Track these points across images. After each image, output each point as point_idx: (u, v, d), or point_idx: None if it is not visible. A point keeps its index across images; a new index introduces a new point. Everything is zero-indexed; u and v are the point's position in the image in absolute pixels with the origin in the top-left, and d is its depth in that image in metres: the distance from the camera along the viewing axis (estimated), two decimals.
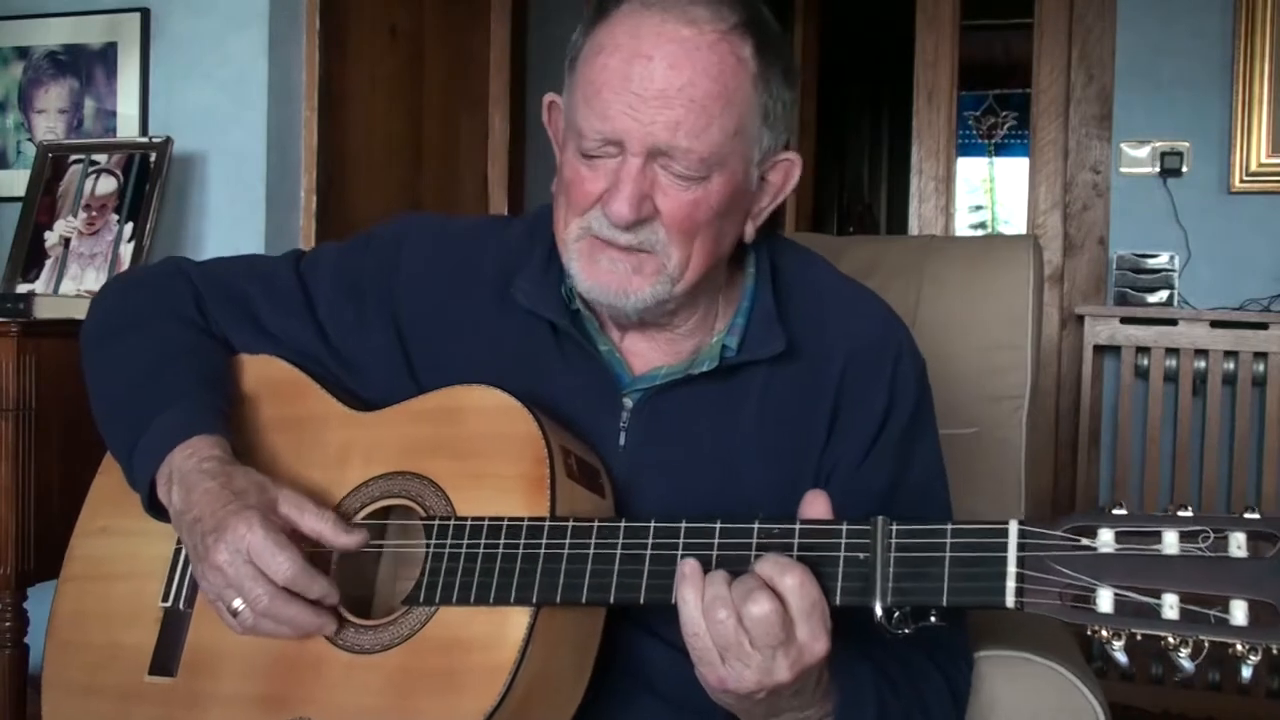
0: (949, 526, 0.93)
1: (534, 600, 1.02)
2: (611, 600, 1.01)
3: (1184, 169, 3.18)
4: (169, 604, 1.17)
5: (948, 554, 0.92)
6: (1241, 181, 3.13)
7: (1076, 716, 1.19)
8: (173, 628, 1.15)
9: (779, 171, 1.14)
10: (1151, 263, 3.11)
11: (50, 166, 2.46)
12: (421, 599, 1.06)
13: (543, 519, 1.04)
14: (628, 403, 1.16)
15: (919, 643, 1.09)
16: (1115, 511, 0.88)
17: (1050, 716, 1.20)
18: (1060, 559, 0.88)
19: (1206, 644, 0.83)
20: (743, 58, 1.06)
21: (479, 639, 1.03)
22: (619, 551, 1.01)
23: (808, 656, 0.93)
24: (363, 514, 1.13)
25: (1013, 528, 0.90)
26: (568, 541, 1.03)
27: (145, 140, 2.44)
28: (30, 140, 2.62)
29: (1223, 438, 3.01)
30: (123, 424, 1.17)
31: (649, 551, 1.00)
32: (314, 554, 1.08)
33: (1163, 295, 3.09)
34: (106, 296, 1.31)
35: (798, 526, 0.97)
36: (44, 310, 2.20)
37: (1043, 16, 3.40)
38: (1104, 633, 0.85)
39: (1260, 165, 3.11)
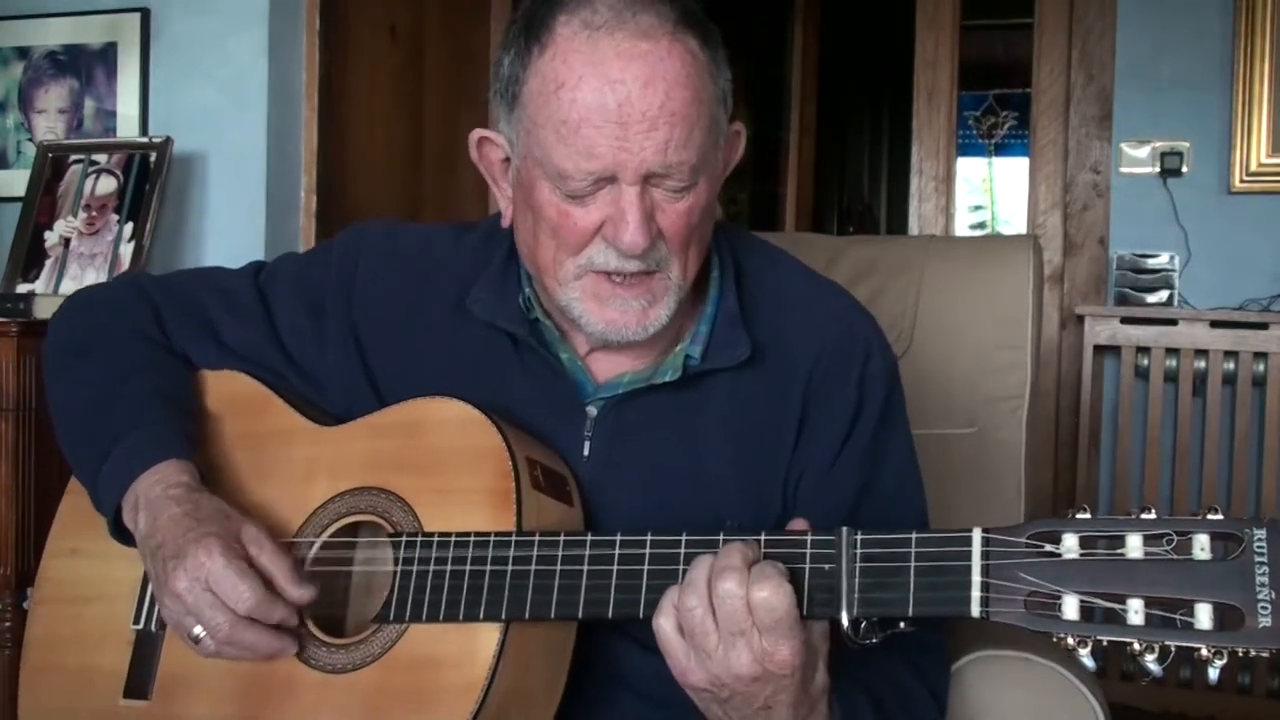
0: (914, 535, 0.92)
1: (503, 616, 1.01)
2: (580, 615, 1.01)
3: (1184, 169, 3.18)
4: (140, 626, 1.16)
5: (913, 563, 0.91)
6: (1241, 181, 3.13)
7: (1076, 716, 1.19)
8: (145, 650, 1.15)
9: (731, 146, 1.13)
10: (1151, 263, 3.11)
11: (50, 166, 2.46)
12: (391, 616, 1.06)
13: (509, 533, 1.03)
14: (591, 411, 1.15)
15: (901, 651, 1.09)
16: (1079, 516, 0.87)
17: (1050, 716, 1.19)
18: (1025, 566, 0.87)
19: (1173, 648, 0.83)
20: (695, 52, 1.04)
21: (450, 656, 1.02)
22: (586, 566, 1.00)
23: (769, 663, 0.91)
24: (330, 531, 1.13)
25: (976, 535, 0.89)
26: (535, 554, 1.02)
27: (145, 140, 2.44)
28: (30, 140, 2.62)
29: (1223, 438, 3.01)
30: (87, 447, 1.16)
31: (615, 567, 0.99)
32: None
33: (1163, 295, 3.09)
34: (64, 317, 1.29)
35: (763, 538, 0.96)
36: (44, 310, 2.20)
37: (1043, 16, 3.39)
38: (1070, 640, 0.85)
39: (1260, 165, 3.11)
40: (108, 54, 2.57)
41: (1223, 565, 0.82)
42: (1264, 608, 0.81)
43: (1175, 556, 0.84)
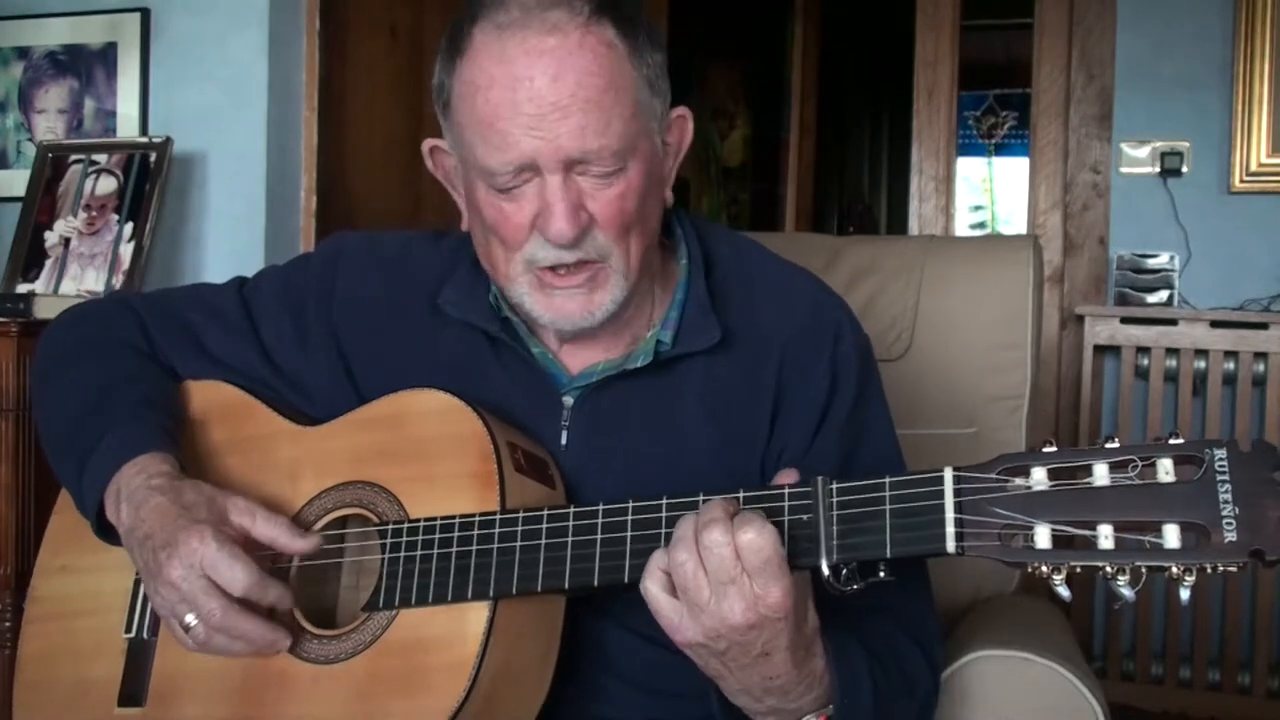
0: (887, 480, 0.94)
1: (491, 594, 1.03)
2: (567, 586, 1.02)
3: (1184, 169, 3.18)
4: (132, 635, 1.17)
5: (888, 506, 0.93)
6: (1241, 181, 3.13)
7: (1076, 716, 1.19)
8: (138, 658, 1.16)
9: (675, 131, 1.15)
10: (1151, 263, 3.11)
11: (50, 166, 2.46)
12: (381, 604, 1.07)
13: (493, 513, 1.05)
14: (567, 401, 1.17)
15: (894, 617, 1.11)
16: (1046, 449, 0.90)
17: (1050, 716, 1.20)
18: (996, 500, 0.89)
19: (1144, 570, 0.85)
20: (611, 42, 1.05)
21: (440, 638, 1.03)
22: (570, 538, 1.02)
23: (761, 607, 0.92)
24: (318, 526, 1.13)
25: (948, 474, 0.91)
26: (519, 531, 1.04)
27: (145, 140, 2.44)
28: (30, 140, 2.62)
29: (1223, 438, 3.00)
30: (70, 451, 1.17)
31: (599, 535, 1.01)
32: (273, 571, 1.08)
33: (1163, 295, 3.09)
34: (53, 333, 1.31)
35: (741, 495, 0.98)
36: (44, 310, 2.20)
37: (1043, 16, 3.40)
38: (1044, 568, 0.87)
39: (1260, 165, 3.11)
40: (108, 54, 2.57)
41: (1187, 486, 0.85)
42: (1228, 523, 0.83)
43: (1141, 481, 0.86)
